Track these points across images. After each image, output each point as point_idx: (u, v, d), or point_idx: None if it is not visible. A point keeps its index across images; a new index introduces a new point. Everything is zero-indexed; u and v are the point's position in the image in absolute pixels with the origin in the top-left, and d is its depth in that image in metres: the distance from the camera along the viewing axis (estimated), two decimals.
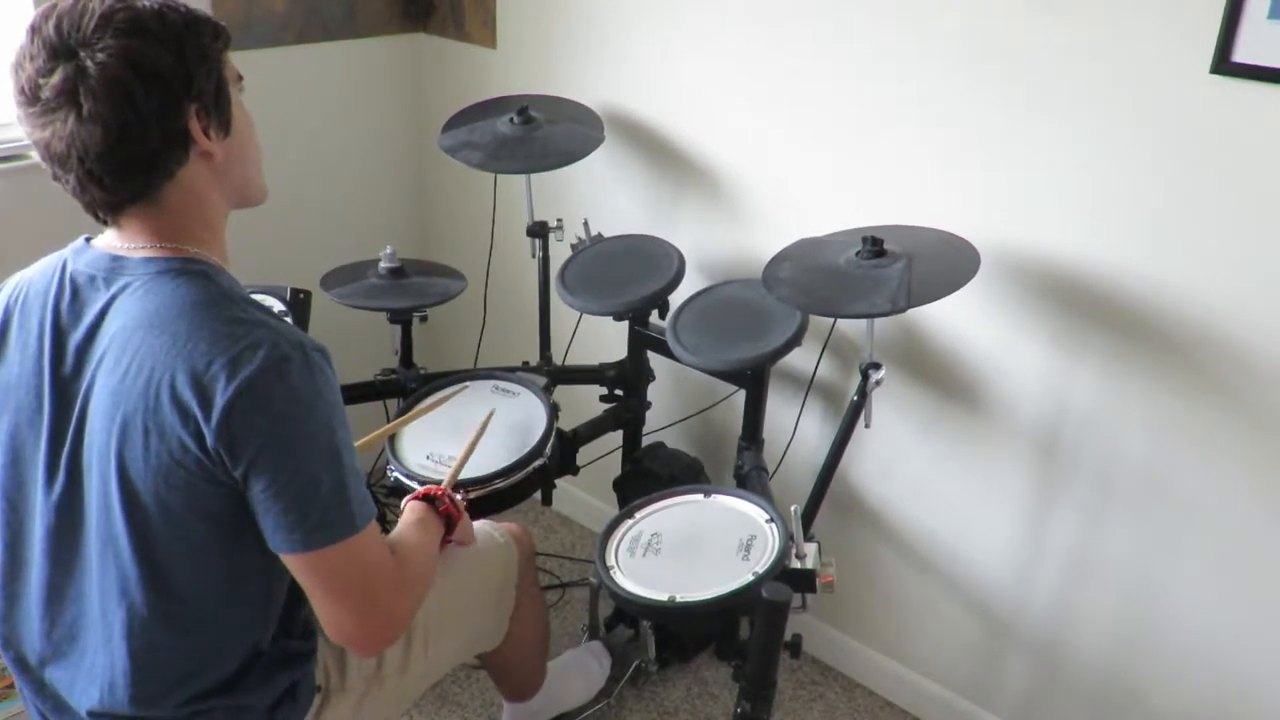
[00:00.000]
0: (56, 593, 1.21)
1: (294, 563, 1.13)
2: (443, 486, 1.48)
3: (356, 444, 1.59)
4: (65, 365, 1.14)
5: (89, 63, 1.03)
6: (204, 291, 1.11)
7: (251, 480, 1.08)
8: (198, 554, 1.15)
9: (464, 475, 1.76)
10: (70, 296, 1.15)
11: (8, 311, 1.20)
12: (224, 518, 1.12)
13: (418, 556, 1.32)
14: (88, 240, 1.19)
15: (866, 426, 1.73)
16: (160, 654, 1.17)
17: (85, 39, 1.03)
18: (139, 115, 1.05)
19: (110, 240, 1.16)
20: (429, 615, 1.49)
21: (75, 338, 1.14)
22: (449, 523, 1.44)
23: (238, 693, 1.22)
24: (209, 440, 1.06)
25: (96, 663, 1.19)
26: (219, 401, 1.05)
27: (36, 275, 1.20)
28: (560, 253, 2.16)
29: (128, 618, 1.16)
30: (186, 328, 1.08)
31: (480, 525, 1.68)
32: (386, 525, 2.46)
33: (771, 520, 1.55)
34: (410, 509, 1.42)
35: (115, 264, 1.14)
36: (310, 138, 2.45)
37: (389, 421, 1.90)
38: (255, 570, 1.19)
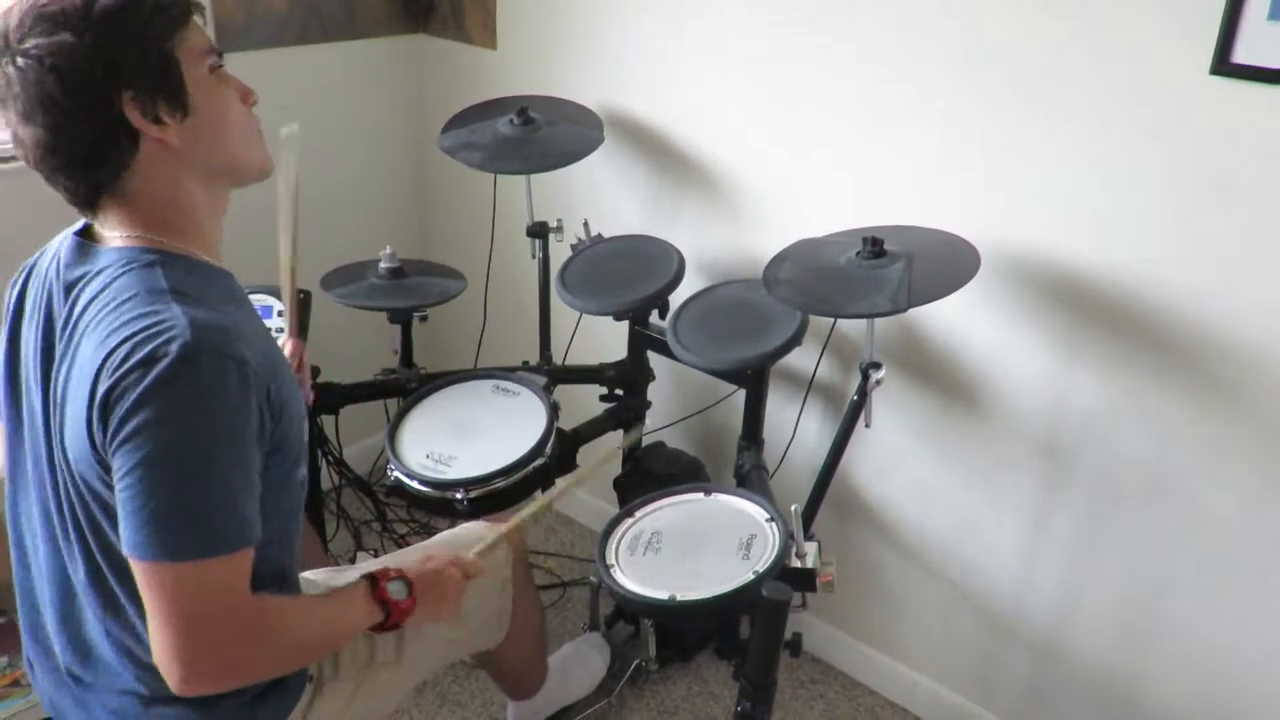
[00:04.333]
0: (53, 577, 1.21)
1: (134, 569, 1.06)
2: (402, 568, 1.32)
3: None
4: (55, 354, 1.13)
5: (10, 68, 1.03)
6: (142, 282, 1.08)
7: (114, 472, 1.04)
8: None
9: (463, 475, 1.77)
10: (59, 283, 1.15)
11: (20, 295, 1.21)
12: None
13: (300, 620, 1.19)
14: (81, 227, 1.17)
15: (867, 426, 1.73)
16: (135, 640, 1.17)
17: (13, 39, 1.03)
18: (66, 114, 1.03)
19: (96, 227, 1.15)
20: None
21: (59, 326, 1.13)
22: (387, 607, 1.26)
23: None
24: (96, 433, 1.04)
25: (80, 647, 1.21)
26: (100, 390, 1.02)
27: (44, 257, 1.20)
28: (560, 253, 2.16)
29: (95, 604, 1.16)
30: (112, 319, 1.06)
31: (474, 525, 1.67)
32: (387, 524, 2.49)
33: (772, 519, 1.55)
34: (358, 579, 1.29)
35: (88, 254, 1.13)
36: (310, 138, 2.43)
37: (389, 422, 1.90)
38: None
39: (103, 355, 1.04)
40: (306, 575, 1.46)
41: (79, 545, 1.15)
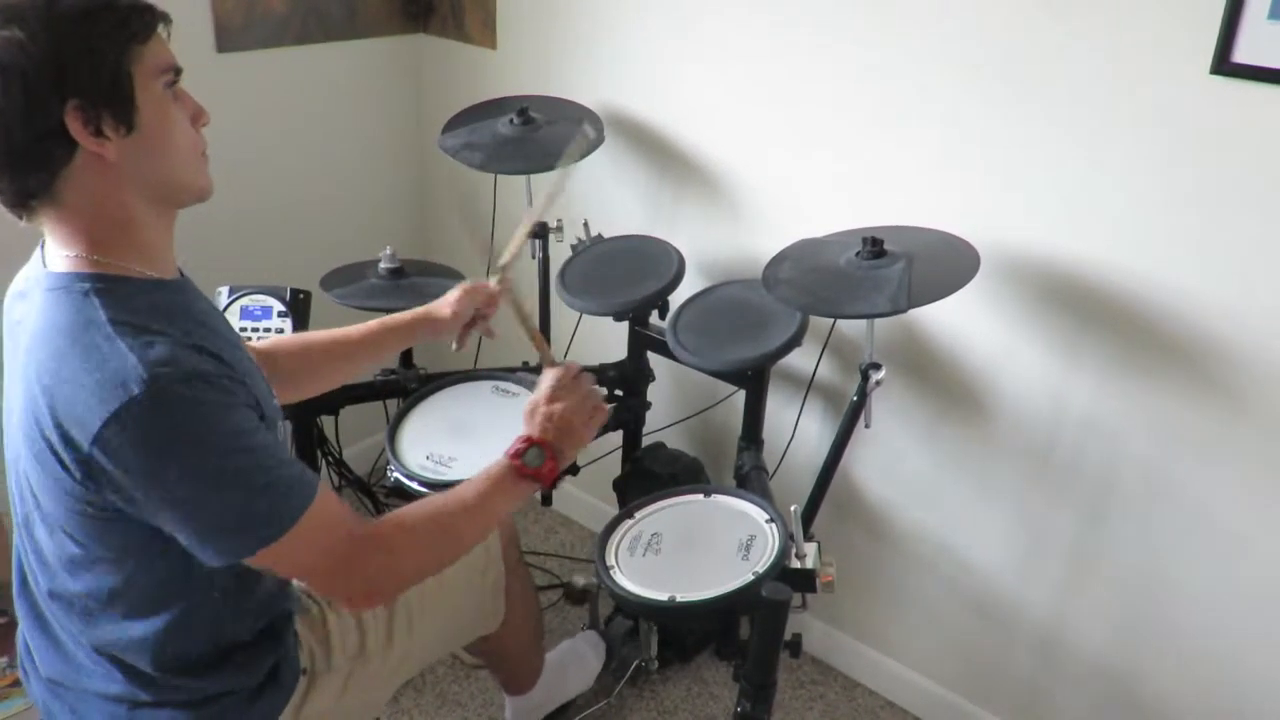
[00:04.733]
0: (36, 585, 1.22)
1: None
2: (530, 435, 1.33)
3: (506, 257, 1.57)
4: (16, 379, 1.13)
5: None
6: (76, 315, 1.05)
7: (148, 516, 1.06)
8: (131, 568, 1.13)
9: (464, 476, 1.75)
10: (16, 308, 1.15)
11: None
12: (141, 537, 1.10)
13: (432, 522, 1.24)
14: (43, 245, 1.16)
15: (866, 427, 1.73)
16: (122, 650, 1.18)
17: None
18: (0, 112, 0.99)
19: (46, 247, 1.13)
20: (411, 593, 1.46)
21: (14, 352, 1.13)
22: (541, 479, 1.31)
23: (212, 677, 1.22)
24: (80, 481, 1.04)
25: (70, 656, 1.21)
26: (83, 449, 1.01)
27: (16, 279, 1.20)
28: (560, 253, 2.16)
29: (82, 621, 1.17)
30: (50, 357, 1.04)
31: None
32: None
33: (771, 520, 1.55)
34: (500, 461, 1.32)
35: (34, 275, 1.12)
36: (310, 138, 2.45)
37: (389, 422, 1.90)
38: (202, 571, 1.15)
39: (58, 405, 1.02)
40: None
41: (46, 563, 1.16)
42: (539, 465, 1.31)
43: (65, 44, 1.00)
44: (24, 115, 1.00)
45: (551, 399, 1.38)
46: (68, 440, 1.02)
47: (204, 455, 1.04)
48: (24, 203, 1.07)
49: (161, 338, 1.05)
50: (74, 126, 1.02)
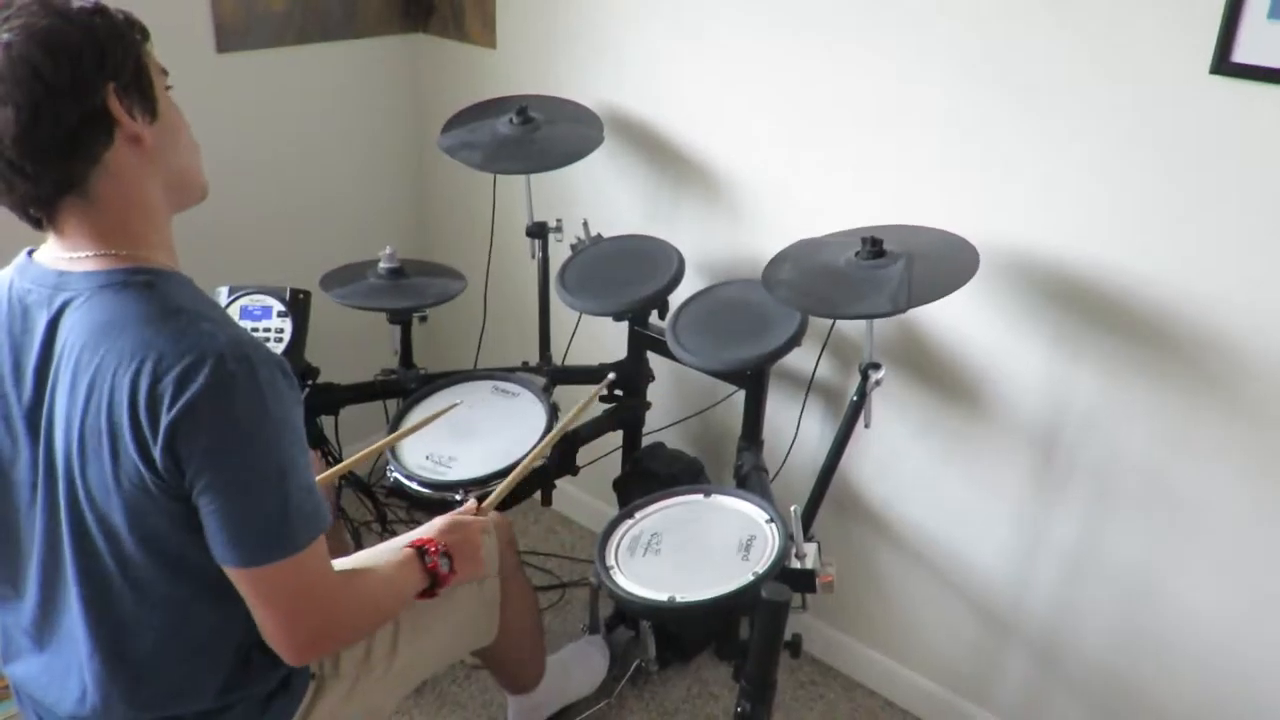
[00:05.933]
0: (46, 608, 1.20)
1: (230, 574, 1.12)
2: (434, 537, 1.42)
3: (349, 460, 1.62)
4: (26, 390, 1.12)
5: None
6: (149, 304, 1.07)
7: (196, 493, 1.07)
8: (176, 565, 1.14)
9: (463, 476, 1.77)
10: (20, 317, 1.12)
11: None
12: (196, 530, 1.10)
13: (373, 588, 1.30)
14: (30, 254, 1.15)
15: (866, 426, 1.73)
16: (147, 662, 1.18)
17: None
18: (50, 92, 1.01)
19: (52, 251, 1.12)
20: (412, 605, 1.49)
21: (30, 361, 1.11)
22: (435, 578, 1.38)
23: (230, 688, 1.22)
24: (157, 459, 1.04)
25: (80, 677, 1.20)
26: (164, 420, 1.02)
27: None
28: (560, 253, 2.16)
29: (111, 632, 1.16)
30: (131, 344, 1.04)
31: (468, 506, 1.64)
32: (387, 525, 2.49)
33: (771, 520, 1.55)
34: (402, 549, 1.39)
35: (58, 279, 1.11)
36: (310, 138, 2.45)
37: (386, 423, 1.90)
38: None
39: (150, 385, 1.03)
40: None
41: (88, 579, 1.14)
42: (444, 571, 1.39)
43: (100, 30, 1.05)
44: (73, 95, 1.03)
45: (474, 529, 1.48)
46: (155, 417, 1.03)
47: (277, 443, 1.08)
48: (58, 197, 1.08)
49: (229, 323, 1.10)
50: (115, 108, 1.05)
